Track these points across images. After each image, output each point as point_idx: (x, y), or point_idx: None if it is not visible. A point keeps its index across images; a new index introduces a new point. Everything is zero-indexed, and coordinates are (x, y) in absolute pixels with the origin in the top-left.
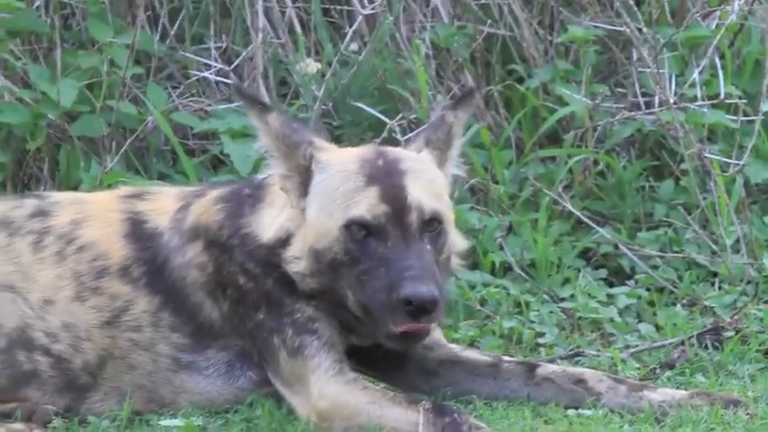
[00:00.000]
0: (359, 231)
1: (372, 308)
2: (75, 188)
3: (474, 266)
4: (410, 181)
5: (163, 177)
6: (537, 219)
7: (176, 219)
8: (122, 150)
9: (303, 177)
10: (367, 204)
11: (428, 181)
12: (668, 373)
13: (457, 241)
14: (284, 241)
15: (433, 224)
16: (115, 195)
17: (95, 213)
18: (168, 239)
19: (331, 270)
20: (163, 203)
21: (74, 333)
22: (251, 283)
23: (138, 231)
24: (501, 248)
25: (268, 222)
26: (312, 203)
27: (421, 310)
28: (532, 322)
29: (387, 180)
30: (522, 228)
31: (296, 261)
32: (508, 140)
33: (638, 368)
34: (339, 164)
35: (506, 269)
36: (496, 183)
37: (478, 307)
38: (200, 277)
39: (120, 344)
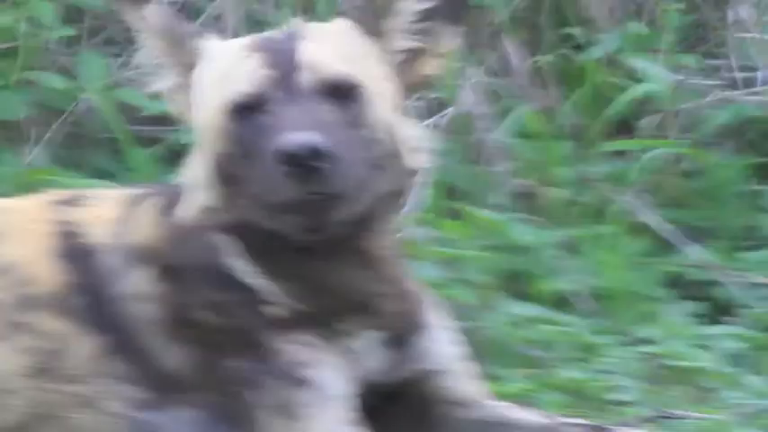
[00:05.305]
0: (240, 108)
1: (255, 188)
2: None
3: (524, 296)
4: (308, 43)
5: (104, 175)
6: (605, 233)
7: (117, 233)
8: (47, 138)
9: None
10: (247, 75)
11: (339, 45)
12: None
13: (406, 129)
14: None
15: (340, 89)
16: (42, 202)
17: (17, 225)
18: (110, 260)
19: (226, 180)
20: (102, 211)
21: None
22: (212, 317)
23: (72, 249)
24: (559, 273)
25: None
26: (195, 104)
27: (304, 167)
28: (603, 372)
29: (276, 46)
30: (586, 245)
31: (201, 196)
32: (564, 129)
33: None
34: (224, 46)
35: (567, 300)
36: (549, 185)
37: (531, 351)
38: (152, 312)
39: (56, 399)
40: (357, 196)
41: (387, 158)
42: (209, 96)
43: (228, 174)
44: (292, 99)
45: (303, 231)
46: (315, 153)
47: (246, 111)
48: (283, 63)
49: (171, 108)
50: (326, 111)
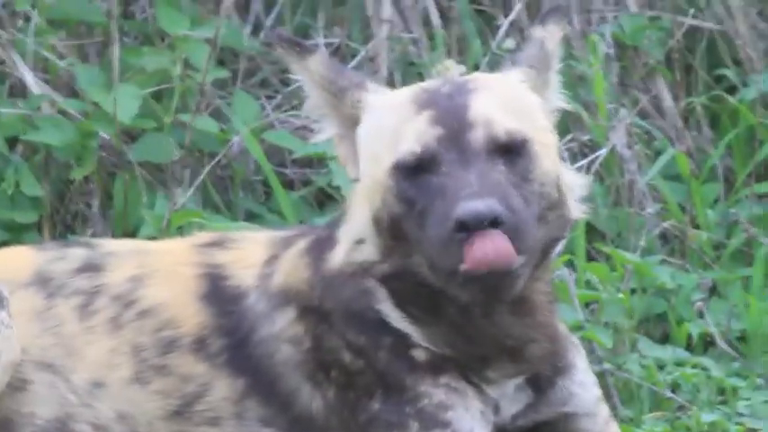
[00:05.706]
0: (410, 168)
1: (430, 252)
2: (135, 231)
3: (664, 339)
4: (477, 97)
5: (252, 218)
6: (750, 276)
7: (263, 275)
8: (198, 181)
9: (354, 132)
10: (415, 132)
11: (508, 99)
12: None
13: (569, 179)
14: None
15: (510, 146)
16: (188, 244)
17: (162, 267)
18: (254, 303)
19: (394, 236)
20: (248, 254)
21: (131, 426)
22: (359, 359)
23: (217, 291)
24: (701, 316)
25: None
26: (361, 159)
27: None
28: (741, 415)
29: (445, 101)
30: (730, 288)
31: (362, 248)
32: (714, 171)
33: None
34: (389, 100)
35: (707, 343)
36: (697, 227)
37: (669, 394)
38: (294, 354)
39: None
40: (529, 254)
41: (552, 210)
42: (377, 153)
43: (396, 231)
44: (465, 159)
45: (476, 297)
46: (494, 223)
47: (417, 171)
48: (453, 120)
49: (338, 156)
50: (499, 171)
